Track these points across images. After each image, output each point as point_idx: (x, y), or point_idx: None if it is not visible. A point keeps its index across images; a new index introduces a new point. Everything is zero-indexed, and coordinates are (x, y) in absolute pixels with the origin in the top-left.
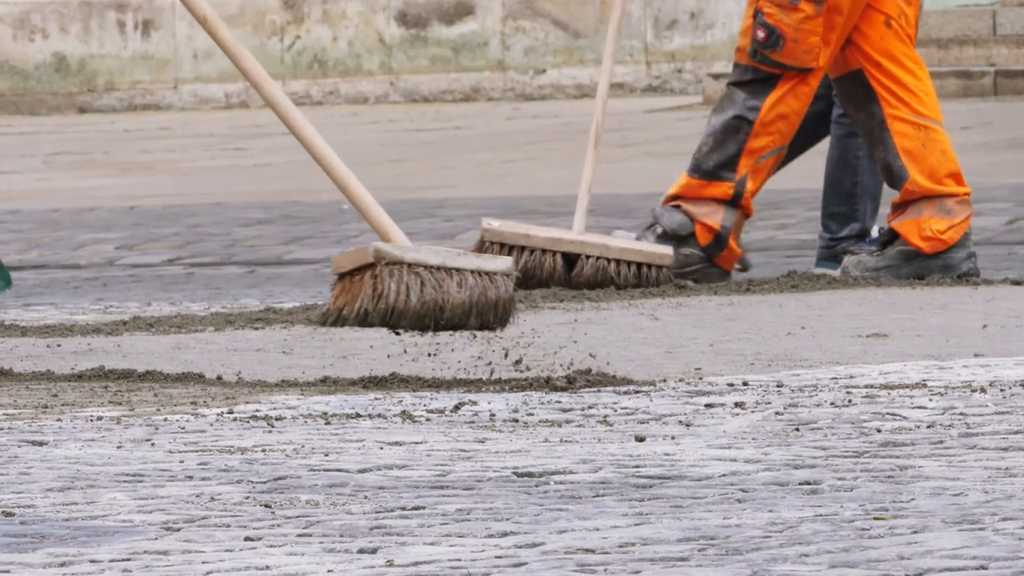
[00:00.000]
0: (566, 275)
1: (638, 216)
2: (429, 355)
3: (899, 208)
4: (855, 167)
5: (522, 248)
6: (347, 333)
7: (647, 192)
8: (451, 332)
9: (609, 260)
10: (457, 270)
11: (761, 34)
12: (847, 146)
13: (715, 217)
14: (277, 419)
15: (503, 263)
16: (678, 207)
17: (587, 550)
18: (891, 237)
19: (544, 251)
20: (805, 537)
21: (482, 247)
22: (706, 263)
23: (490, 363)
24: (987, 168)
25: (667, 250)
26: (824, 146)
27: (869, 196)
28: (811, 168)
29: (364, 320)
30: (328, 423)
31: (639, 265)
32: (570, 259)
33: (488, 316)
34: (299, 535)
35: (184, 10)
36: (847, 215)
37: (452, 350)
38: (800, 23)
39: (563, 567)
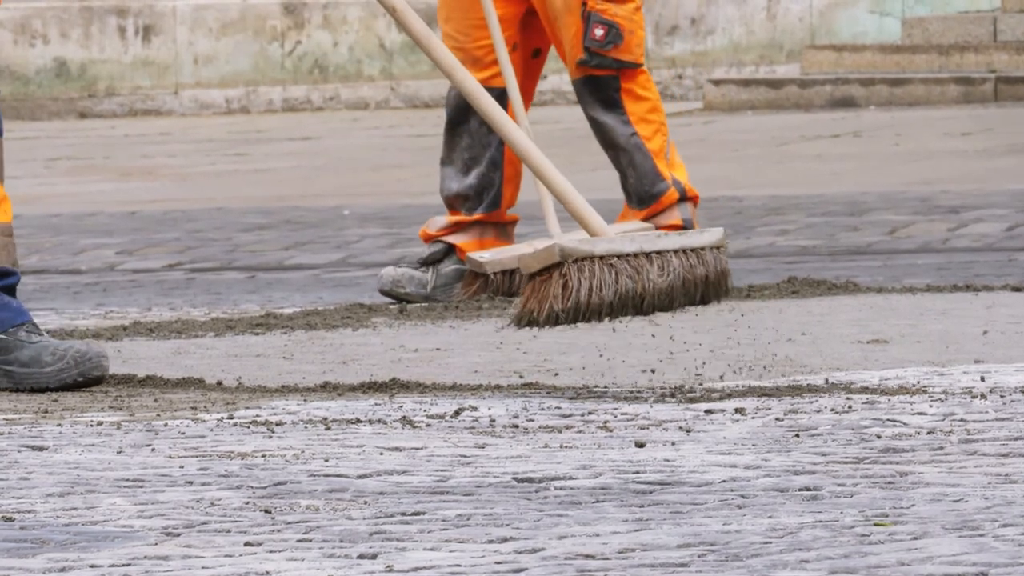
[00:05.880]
0: None
1: None
2: (429, 360)
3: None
4: None
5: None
6: (347, 339)
7: None
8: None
9: None
10: (658, 253)
11: (600, 32)
12: None
13: (673, 216)
14: (277, 424)
15: (711, 236)
16: None
17: (587, 556)
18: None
19: None
20: (805, 543)
21: (473, 278)
22: None
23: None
24: (987, 174)
25: (649, 225)
26: (824, 150)
27: None
28: (812, 173)
29: (556, 321)
30: (328, 428)
31: None
32: None
33: (698, 293)
34: (299, 540)
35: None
36: None
37: (452, 355)
38: (632, 14)
39: (563, 573)
